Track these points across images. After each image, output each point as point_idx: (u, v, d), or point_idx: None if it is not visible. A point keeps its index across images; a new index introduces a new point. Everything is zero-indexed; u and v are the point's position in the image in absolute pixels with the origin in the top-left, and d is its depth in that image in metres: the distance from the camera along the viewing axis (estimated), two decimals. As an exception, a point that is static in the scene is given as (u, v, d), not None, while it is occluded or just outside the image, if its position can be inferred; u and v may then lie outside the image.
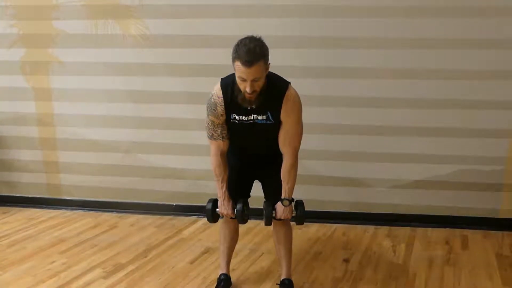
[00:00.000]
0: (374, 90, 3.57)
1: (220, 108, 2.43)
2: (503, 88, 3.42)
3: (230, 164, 2.57)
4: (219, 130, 2.49)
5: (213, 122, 2.48)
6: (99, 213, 4.15)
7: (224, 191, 2.54)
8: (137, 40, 3.83)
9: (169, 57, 3.82)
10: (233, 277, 2.84)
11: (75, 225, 3.88)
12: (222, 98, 2.42)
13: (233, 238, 2.77)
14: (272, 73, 2.41)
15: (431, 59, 3.46)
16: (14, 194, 4.38)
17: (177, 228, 3.79)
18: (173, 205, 4.09)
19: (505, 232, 3.54)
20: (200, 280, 2.91)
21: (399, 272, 2.97)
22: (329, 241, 3.48)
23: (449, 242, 3.42)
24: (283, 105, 2.39)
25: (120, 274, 2.99)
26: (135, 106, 3.97)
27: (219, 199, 2.57)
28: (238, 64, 2.25)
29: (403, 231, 3.62)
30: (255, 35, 2.32)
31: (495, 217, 3.62)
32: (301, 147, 2.52)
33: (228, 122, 2.47)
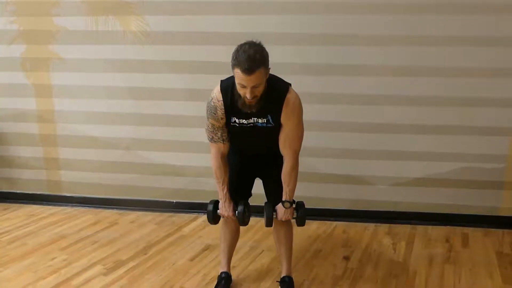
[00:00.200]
0: (374, 88, 3.56)
1: (220, 112, 2.41)
2: (504, 86, 3.41)
3: (230, 165, 2.56)
4: (219, 133, 2.47)
5: (213, 125, 2.46)
6: (100, 209, 4.15)
7: (225, 193, 2.54)
8: (138, 36, 3.82)
9: (169, 54, 3.81)
10: (234, 275, 2.84)
11: (76, 222, 3.89)
12: (222, 102, 2.39)
13: (234, 237, 2.77)
14: (272, 75, 2.38)
15: (431, 57, 3.45)
16: (15, 191, 4.38)
17: (177, 225, 3.80)
18: (173, 202, 4.09)
19: (506, 230, 3.54)
20: (200, 277, 2.91)
21: (399, 270, 2.97)
22: (329, 239, 3.48)
23: (450, 240, 3.42)
24: (283, 108, 2.37)
25: (121, 271, 2.99)
26: (136, 103, 3.97)
27: (220, 200, 2.57)
28: (237, 71, 2.21)
29: (403, 229, 3.61)
30: (254, 40, 2.28)
31: (496, 215, 3.61)
32: (301, 144, 2.52)
33: (228, 125, 2.46)
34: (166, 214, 4.03)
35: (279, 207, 2.54)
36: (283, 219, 2.55)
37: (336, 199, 3.82)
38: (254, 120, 2.41)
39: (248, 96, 2.25)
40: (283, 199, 2.52)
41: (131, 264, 3.09)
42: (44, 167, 4.29)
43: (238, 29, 3.60)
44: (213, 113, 2.43)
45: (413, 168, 3.65)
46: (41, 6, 3.95)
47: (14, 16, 4.01)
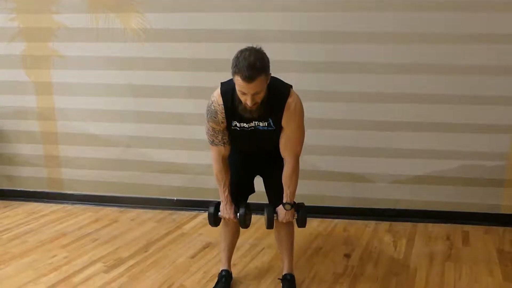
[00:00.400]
0: (374, 85, 3.56)
1: (221, 116, 2.40)
2: (505, 84, 3.40)
3: (230, 165, 2.55)
4: (220, 136, 2.46)
5: (213, 128, 2.45)
6: (100, 207, 4.15)
7: (227, 196, 2.53)
8: (138, 34, 3.82)
9: (170, 51, 3.80)
10: (234, 272, 2.85)
11: (76, 219, 3.89)
12: (223, 106, 2.37)
13: (234, 235, 2.76)
14: (273, 77, 2.34)
15: (432, 54, 3.44)
16: (15, 188, 4.39)
17: (177, 222, 3.80)
18: (173, 199, 4.10)
19: (506, 228, 3.54)
20: (201, 275, 2.91)
21: (400, 267, 2.97)
22: (329, 237, 3.48)
23: (450, 237, 3.42)
24: (284, 112, 2.36)
25: (121, 269, 3.00)
26: (136, 100, 3.97)
27: (221, 203, 2.57)
28: (238, 78, 2.19)
29: (404, 227, 3.61)
30: (255, 46, 2.24)
31: (496, 212, 3.61)
32: (302, 147, 2.51)
33: (229, 129, 2.44)
34: (167, 212, 4.03)
35: (280, 208, 2.54)
36: (284, 221, 2.55)
37: (336, 197, 3.82)
38: (255, 123, 2.40)
39: (249, 103, 2.23)
40: (284, 201, 2.52)
41: (131, 262, 3.09)
42: (45, 164, 4.29)
43: (238, 26, 3.60)
44: (214, 116, 2.41)
45: (414, 166, 3.65)
46: (41, 3, 3.94)
47: (14, 14, 4.00)
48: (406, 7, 3.40)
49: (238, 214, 2.54)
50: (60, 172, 4.28)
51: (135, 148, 4.08)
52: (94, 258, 3.15)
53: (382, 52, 3.49)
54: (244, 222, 2.53)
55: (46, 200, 4.29)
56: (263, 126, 2.40)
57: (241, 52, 2.21)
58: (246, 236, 3.38)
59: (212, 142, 2.49)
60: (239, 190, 2.60)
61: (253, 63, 2.16)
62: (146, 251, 3.26)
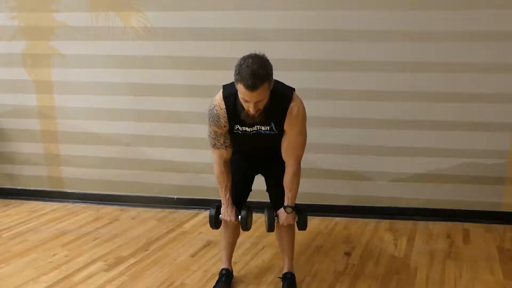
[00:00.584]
0: (375, 83, 3.55)
1: (223, 120, 2.38)
2: (506, 81, 3.40)
3: (232, 166, 2.55)
4: (221, 140, 2.45)
5: (215, 132, 2.43)
6: (101, 206, 4.15)
7: (228, 198, 2.53)
8: (138, 32, 3.81)
9: (170, 49, 3.80)
10: (235, 271, 2.85)
11: (77, 218, 3.89)
12: (225, 110, 2.36)
13: (235, 234, 2.76)
14: (275, 81, 2.30)
15: (432, 52, 3.43)
16: (16, 187, 4.39)
17: (178, 221, 3.80)
18: (174, 198, 4.10)
19: (507, 226, 3.53)
20: (202, 273, 2.91)
21: (401, 265, 2.97)
22: (330, 235, 3.48)
23: (451, 235, 3.42)
24: (287, 116, 2.34)
25: (122, 267, 3.00)
26: (136, 98, 3.96)
27: (222, 205, 2.56)
28: (241, 86, 2.17)
29: (404, 225, 3.61)
30: (258, 53, 2.21)
31: (497, 210, 3.61)
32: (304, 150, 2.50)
33: (231, 132, 2.43)
34: (167, 210, 4.03)
35: (281, 211, 2.53)
36: (285, 224, 2.55)
37: (337, 195, 3.82)
38: (257, 128, 2.38)
39: (251, 110, 2.22)
40: (285, 204, 2.51)
41: (132, 260, 3.09)
42: (45, 163, 4.29)
43: (238, 24, 3.59)
44: (216, 120, 2.39)
45: (415, 164, 3.65)
46: (41, 1, 3.93)
47: (14, 12, 4.00)
48: (407, 5, 3.39)
49: (239, 216, 2.53)
50: (61, 171, 4.28)
51: (135, 146, 4.08)
52: (94, 257, 3.15)
53: (382, 50, 3.49)
54: (246, 225, 2.53)
55: (46, 198, 4.30)
56: (265, 130, 2.39)
57: (244, 59, 2.18)
58: (246, 234, 3.36)
59: (214, 145, 2.48)
60: (240, 191, 2.59)
61: (256, 71, 2.13)
62: (146, 250, 3.26)
